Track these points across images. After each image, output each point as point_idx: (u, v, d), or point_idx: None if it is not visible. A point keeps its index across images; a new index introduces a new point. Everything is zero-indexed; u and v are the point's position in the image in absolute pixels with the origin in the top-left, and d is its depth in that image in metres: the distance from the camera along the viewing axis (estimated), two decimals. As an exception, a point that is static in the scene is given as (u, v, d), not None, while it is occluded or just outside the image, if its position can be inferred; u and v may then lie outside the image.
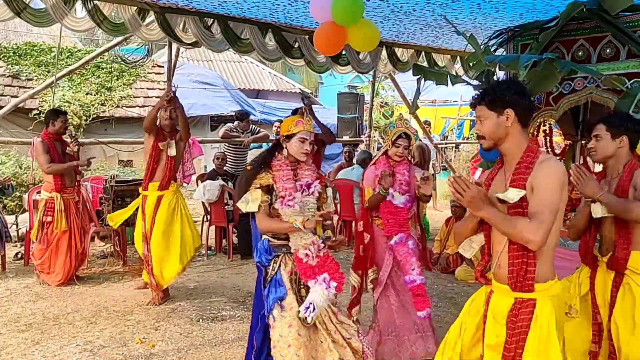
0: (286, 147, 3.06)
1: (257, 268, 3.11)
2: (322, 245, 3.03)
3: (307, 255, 2.97)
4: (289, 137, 3.04)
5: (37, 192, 6.19)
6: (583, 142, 6.74)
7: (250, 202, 2.99)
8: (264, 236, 3.07)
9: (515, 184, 2.13)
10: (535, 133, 6.42)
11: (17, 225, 6.87)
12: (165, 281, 4.89)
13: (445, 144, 13.75)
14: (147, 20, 5.64)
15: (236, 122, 7.82)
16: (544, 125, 6.64)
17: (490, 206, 2.12)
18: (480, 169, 8.39)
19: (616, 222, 2.82)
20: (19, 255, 6.20)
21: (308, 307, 2.85)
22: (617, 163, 2.90)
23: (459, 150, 14.72)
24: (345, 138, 9.88)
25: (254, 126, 8.12)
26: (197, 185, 7.13)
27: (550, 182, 2.08)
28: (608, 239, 2.89)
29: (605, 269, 2.91)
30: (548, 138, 6.83)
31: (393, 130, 3.92)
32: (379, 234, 3.92)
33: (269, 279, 2.99)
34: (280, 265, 3.00)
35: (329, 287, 2.93)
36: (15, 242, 6.78)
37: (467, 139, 15.32)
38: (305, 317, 2.84)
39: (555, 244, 2.19)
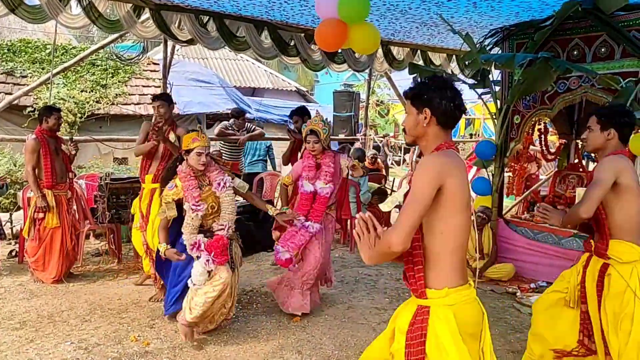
0: (186, 160, 3.86)
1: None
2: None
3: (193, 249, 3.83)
4: (187, 151, 3.84)
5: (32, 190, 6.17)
6: (578, 141, 6.78)
7: (168, 211, 3.85)
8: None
9: (410, 181, 2.07)
10: (530, 132, 6.45)
11: (11, 223, 6.84)
12: None
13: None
14: (143, 17, 5.63)
15: (232, 120, 7.81)
16: (539, 124, 6.67)
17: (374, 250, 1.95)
18: (475, 167, 8.43)
19: (594, 215, 2.87)
20: (13, 253, 6.17)
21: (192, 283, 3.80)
22: (604, 155, 2.96)
23: (454, 149, 14.73)
24: (341, 136, 9.89)
25: (249, 124, 8.11)
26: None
27: (418, 179, 1.97)
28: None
29: (596, 257, 3.00)
30: (543, 137, 6.86)
31: (305, 129, 4.58)
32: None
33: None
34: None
35: (208, 262, 3.73)
36: (10, 239, 6.75)
37: (463, 137, 15.37)
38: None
39: (453, 248, 2.02)
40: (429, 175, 1.96)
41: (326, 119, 4.71)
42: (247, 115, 12.88)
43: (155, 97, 5.15)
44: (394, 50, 7.65)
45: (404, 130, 2.17)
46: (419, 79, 2.25)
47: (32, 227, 5.31)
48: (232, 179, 4.03)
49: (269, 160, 9.29)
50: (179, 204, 3.94)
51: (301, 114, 6.20)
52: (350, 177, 4.72)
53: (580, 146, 2.78)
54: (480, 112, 14.35)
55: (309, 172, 4.57)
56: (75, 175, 5.99)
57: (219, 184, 3.92)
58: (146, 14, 5.62)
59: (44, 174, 5.26)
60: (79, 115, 9.73)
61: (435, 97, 2.05)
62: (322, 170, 4.52)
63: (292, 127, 6.30)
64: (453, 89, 2.09)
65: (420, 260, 2.03)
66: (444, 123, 2.08)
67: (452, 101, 2.06)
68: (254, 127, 8.11)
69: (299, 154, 5.75)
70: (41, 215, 5.27)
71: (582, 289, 3.02)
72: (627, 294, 2.80)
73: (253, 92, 15.76)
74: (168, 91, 7.11)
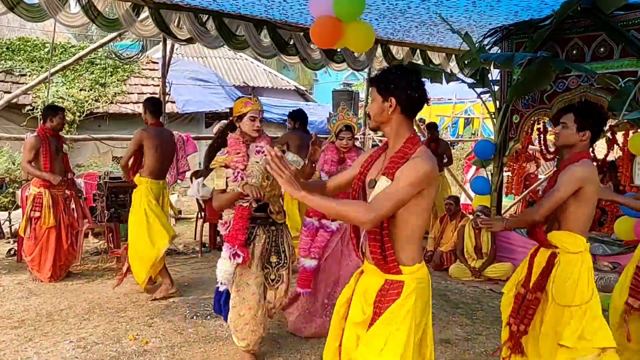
0: (239, 126, 3.49)
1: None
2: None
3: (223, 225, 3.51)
4: (240, 117, 3.47)
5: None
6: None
7: (216, 179, 3.42)
8: None
9: (387, 173, 2.12)
10: (530, 131, 6.45)
11: (10, 222, 6.84)
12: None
13: (440, 141, 13.74)
14: (142, 16, 5.62)
15: (230, 119, 7.82)
16: (538, 124, 6.67)
17: (307, 193, 2.07)
18: (474, 167, 8.43)
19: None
20: (12, 252, 6.17)
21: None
22: (570, 154, 3.01)
23: (453, 148, 14.74)
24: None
25: None
26: (192, 182, 7.11)
27: (406, 178, 2.06)
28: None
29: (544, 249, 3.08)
30: (542, 136, 6.86)
31: (335, 124, 4.18)
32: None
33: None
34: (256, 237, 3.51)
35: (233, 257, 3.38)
36: (8, 238, 6.75)
37: (462, 136, 15.37)
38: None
39: (422, 228, 2.18)
40: (421, 179, 2.07)
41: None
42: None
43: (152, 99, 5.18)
44: (393, 49, 7.64)
45: (368, 115, 2.27)
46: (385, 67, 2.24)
47: (29, 225, 5.30)
48: (284, 152, 3.50)
49: None
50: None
51: (296, 117, 6.26)
52: None
53: (554, 133, 2.83)
54: (479, 111, 14.34)
55: (330, 166, 4.20)
56: (74, 175, 5.99)
57: (257, 150, 3.48)
58: (145, 13, 5.61)
59: (43, 172, 5.25)
60: (77, 114, 9.73)
61: (400, 87, 2.13)
62: (347, 165, 4.10)
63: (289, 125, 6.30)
64: (418, 79, 2.16)
65: (391, 239, 2.14)
66: (408, 112, 2.17)
67: (417, 91, 2.15)
68: None
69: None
70: (37, 214, 5.26)
71: (527, 275, 3.08)
72: (570, 284, 2.91)
73: (252, 91, 15.74)
74: (167, 90, 7.11)
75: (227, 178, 3.40)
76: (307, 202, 2.09)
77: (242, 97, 3.67)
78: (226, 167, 3.41)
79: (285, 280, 3.63)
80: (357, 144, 9.25)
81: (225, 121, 7.89)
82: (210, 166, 3.45)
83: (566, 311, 2.88)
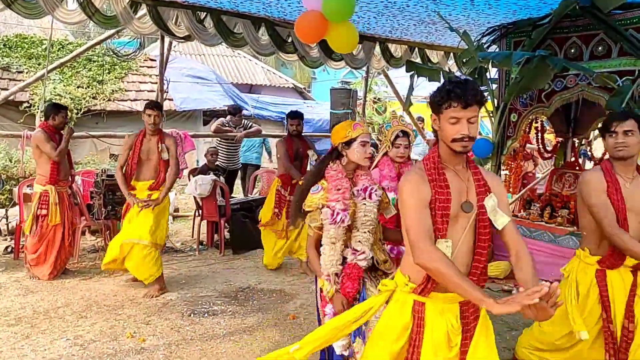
0: (346, 155, 2.86)
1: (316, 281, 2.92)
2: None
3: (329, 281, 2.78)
4: (348, 143, 2.85)
5: (28, 186, 6.15)
6: (575, 139, 6.79)
7: (312, 224, 2.83)
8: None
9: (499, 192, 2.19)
10: (527, 130, 6.45)
11: (7, 219, 6.82)
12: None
13: (438, 140, 13.75)
14: (139, 13, 5.60)
15: (229, 117, 7.80)
16: (536, 122, 6.67)
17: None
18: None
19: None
20: (9, 249, 6.16)
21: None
22: (633, 162, 2.89)
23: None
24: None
25: (246, 121, 8.10)
26: (189, 179, 7.11)
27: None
28: None
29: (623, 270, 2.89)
30: (540, 135, 6.87)
31: (390, 130, 3.77)
32: None
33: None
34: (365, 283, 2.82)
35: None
36: (5, 235, 6.74)
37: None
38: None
39: None
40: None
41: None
42: (244, 112, 12.88)
43: (152, 106, 5.05)
44: (392, 47, 7.63)
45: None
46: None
47: (35, 223, 5.29)
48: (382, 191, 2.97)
49: (264, 152, 9.29)
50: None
51: (300, 117, 6.07)
52: None
53: (618, 143, 2.63)
54: (477, 110, 14.35)
55: (390, 182, 3.71)
56: (75, 171, 5.98)
57: (365, 189, 2.85)
58: (143, 10, 5.59)
59: (50, 169, 5.25)
60: (75, 111, 9.70)
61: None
62: None
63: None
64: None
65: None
66: None
67: None
68: (251, 124, 8.10)
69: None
70: (44, 211, 5.26)
71: (606, 305, 2.92)
72: None
73: (250, 88, 15.73)
74: (165, 87, 7.10)
75: (322, 220, 2.78)
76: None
77: (346, 114, 3.09)
78: (319, 208, 2.80)
79: None
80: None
81: (223, 119, 7.91)
82: (305, 208, 2.84)
83: None
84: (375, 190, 2.86)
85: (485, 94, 6.11)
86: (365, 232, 2.79)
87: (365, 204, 2.81)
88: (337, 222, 2.73)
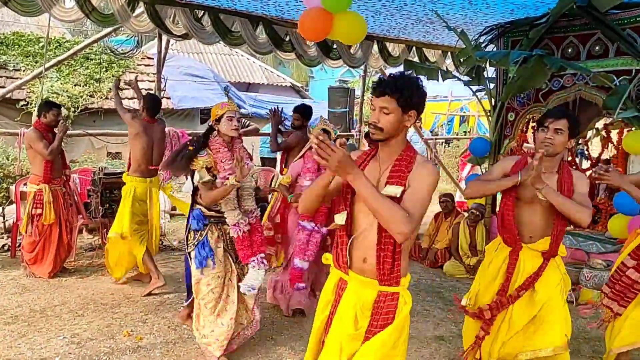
0: (218, 129, 3.61)
1: (187, 232, 3.66)
2: (248, 219, 3.63)
3: (236, 230, 3.56)
4: (218, 120, 3.60)
5: (25, 184, 6.13)
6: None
7: (202, 177, 3.50)
8: (197, 206, 3.62)
9: (395, 181, 2.12)
10: (524, 129, 6.46)
11: (3, 217, 6.80)
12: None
13: (435, 139, 13.79)
14: (137, 11, 5.59)
15: (210, 124, 7.82)
16: (533, 122, 6.68)
17: (362, 172, 2.03)
18: (469, 164, 8.44)
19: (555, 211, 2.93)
20: (6, 247, 6.14)
21: (250, 289, 3.56)
22: (557, 159, 3.00)
23: (448, 146, 14.78)
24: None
25: (244, 120, 8.09)
26: (186, 178, 7.08)
27: (427, 183, 2.11)
28: (538, 225, 3.03)
29: (529, 253, 3.03)
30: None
31: (315, 128, 4.49)
32: (294, 216, 4.56)
33: (196, 242, 3.57)
34: (208, 232, 3.59)
35: (263, 264, 3.59)
36: (2, 234, 6.72)
37: (457, 134, 15.39)
38: (245, 293, 3.60)
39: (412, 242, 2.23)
40: (437, 182, 2.17)
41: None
42: (242, 110, 12.86)
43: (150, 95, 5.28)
44: (390, 46, 7.64)
45: (377, 127, 2.13)
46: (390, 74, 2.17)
47: (30, 223, 5.28)
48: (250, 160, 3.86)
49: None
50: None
51: (304, 114, 5.92)
52: None
53: (545, 138, 2.69)
54: (474, 109, 14.36)
55: (312, 174, 4.47)
56: (70, 170, 5.97)
57: (242, 158, 3.69)
58: (140, 8, 5.58)
59: (43, 168, 5.23)
60: (72, 109, 9.69)
61: (420, 100, 2.14)
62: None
63: (288, 122, 6.15)
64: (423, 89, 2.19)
65: (401, 251, 2.15)
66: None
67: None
68: (248, 122, 8.08)
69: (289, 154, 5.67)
70: (39, 210, 5.25)
71: (506, 285, 3.15)
72: None
73: (248, 87, 15.72)
74: (162, 86, 7.08)
75: (216, 178, 3.51)
76: (358, 184, 2.00)
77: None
78: (207, 168, 3.49)
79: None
80: (353, 140, 9.28)
81: None
82: (192, 167, 3.49)
83: None
84: (249, 162, 3.72)
85: (483, 93, 6.13)
86: (247, 200, 3.67)
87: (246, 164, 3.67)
88: (227, 177, 3.46)
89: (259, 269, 3.57)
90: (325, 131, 4.46)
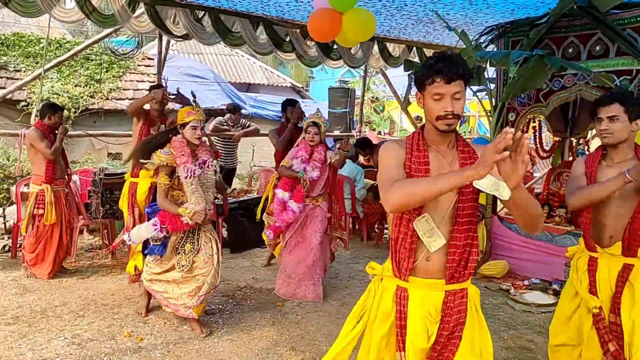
0: (182, 133, 3.85)
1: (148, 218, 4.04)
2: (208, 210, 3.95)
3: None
4: (183, 125, 3.84)
5: (25, 185, 6.13)
6: (572, 138, 6.80)
7: (161, 177, 3.81)
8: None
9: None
10: (525, 129, 6.46)
11: (4, 218, 6.80)
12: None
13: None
14: (137, 12, 5.60)
15: (227, 115, 7.80)
16: (534, 122, 6.68)
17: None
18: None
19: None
20: (6, 248, 6.14)
21: (129, 237, 4.01)
22: (628, 148, 2.78)
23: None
24: (336, 133, 9.88)
25: (244, 120, 8.09)
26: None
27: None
28: (617, 225, 2.79)
29: (608, 258, 2.80)
30: (537, 134, 6.88)
31: (307, 121, 4.95)
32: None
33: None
34: None
35: (157, 227, 3.87)
36: (2, 234, 6.72)
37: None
38: (126, 241, 4.09)
39: None
40: None
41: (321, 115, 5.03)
42: (243, 111, 12.85)
43: (157, 86, 5.21)
44: (390, 46, 7.64)
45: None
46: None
47: (31, 223, 5.28)
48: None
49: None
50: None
51: (293, 103, 6.02)
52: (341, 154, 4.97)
53: (601, 130, 2.54)
54: (475, 109, 14.37)
55: (301, 159, 4.91)
56: (71, 170, 5.97)
57: (204, 162, 3.94)
58: (141, 9, 5.59)
59: (45, 168, 5.24)
60: (72, 110, 9.68)
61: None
62: (314, 158, 4.91)
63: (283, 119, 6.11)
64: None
65: (477, 244, 2.07)
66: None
67: None
68: (249, 123, 8.09)
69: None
70: (41, 211, 5.25)
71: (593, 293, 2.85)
72: None
73: (248, 87, 15.71)
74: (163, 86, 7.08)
75: (177, 175, 3.84)
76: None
77: (186, 106, 4.00)
78: (165, 165, 3.80)
79: (203, 266, 3.97)
80: (352, 141, 9.28)
81: (221, 118, 7.91)
82: (153, 161, 3.79)
83: None
84: (212, 162, 3.98)
85: (483, 93, 6.13)
86: (208, 193, 3.94)
87: (206, 173, 3.95)
88: (189, 176, 3.77)
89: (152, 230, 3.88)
90: (314, 124, 4.86)
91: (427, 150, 2.06)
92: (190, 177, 3.78)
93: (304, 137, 4.95)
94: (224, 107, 8.79)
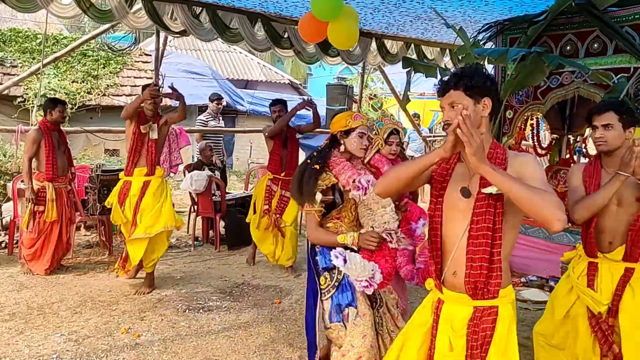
0: (344, 143, 2.98)
1: (309, 275, 2.99)
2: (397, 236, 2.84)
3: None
4: (347, 132, 2.97)
5: (22, 181, 6.12)
6: (570, 136, 6.81)
7: (316, 203, 2.88)
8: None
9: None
10: (523, 127, 6.47)
11: (0, 214, 6.79)
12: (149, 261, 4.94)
13: (434, 136, 13.80)
14: (135, 7, 5.57)
15: (213, 104, 7.97)
16: (532, 119, 6.69)
17: (492, 166, 1.86)
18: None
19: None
20: (3, 245, 6.13)
21: (338, 257, 2.70)
22: (621, 154, 2.75)
23: (446, 143, 14.76)
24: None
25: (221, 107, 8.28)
26: (184, 175, 7.09)
27: (535, 168, 1.97)
28: (616, 230, 2.79)
29: (609, 263, 2.81)
30: (535, 132, 6.88)
31: (383, 128, 3.82)
32: None
33: (335, 283, 2.83)
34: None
35: (373, 271, 2.69)
36: (-1, 231, 6.71)
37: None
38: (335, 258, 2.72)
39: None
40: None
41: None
42: (240, 107, 12.85)
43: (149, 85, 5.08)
44: (388, 43, 7.63)
45: (448, 123, 1.96)
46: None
47: (32, 220, 5.27)
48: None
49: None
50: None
51: (285, 105, 6.01)
52: None
53: (595, 138, 2.54)
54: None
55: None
56: (75, 168, 5.95)
57: (368, 181, 2.90)
58: (138, 4, 5.56)
59: (45, 166, 5.23)
60: (69, 106, 9.65)
61: (494, 87, 2.03)
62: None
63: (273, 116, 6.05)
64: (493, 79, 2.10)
65: (500, 258, 1.97)
66: (495, 114, 2.06)
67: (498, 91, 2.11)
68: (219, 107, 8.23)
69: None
70: (41, 207, 5.25)
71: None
72: None
73: (246, 84, 15.69)
74: (160, 82, 7.07)
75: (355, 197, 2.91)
76: (498, 174, 1.82)
77: (342, 110, 3.29)
78: (326, 189, 2.92)
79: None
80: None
81: (201, 117, 8.01)
82: (318, 190, 2.88)
83: None
84: (371, 181, 2.90)
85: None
86: (388, 222, 2.86)
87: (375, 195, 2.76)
88: (364, 188, 2.84)
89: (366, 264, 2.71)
90: (396, 131, 3.82)
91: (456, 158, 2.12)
92: (365, 190, 2.86)
93: (378, 151, 3.77)
94: (226, 105, 8.92)
